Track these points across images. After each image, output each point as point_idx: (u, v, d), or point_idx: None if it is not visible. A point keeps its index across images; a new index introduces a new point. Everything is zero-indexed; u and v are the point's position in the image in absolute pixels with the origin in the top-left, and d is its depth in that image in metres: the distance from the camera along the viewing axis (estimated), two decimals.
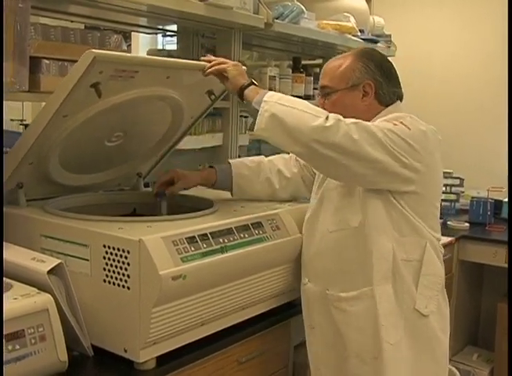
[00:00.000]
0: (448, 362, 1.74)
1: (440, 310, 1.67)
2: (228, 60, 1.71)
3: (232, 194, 1.95)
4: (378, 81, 1.70)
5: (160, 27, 2.59)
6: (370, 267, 1.61)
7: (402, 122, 1.59)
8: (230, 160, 1.99)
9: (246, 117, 2.59)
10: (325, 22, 2.77)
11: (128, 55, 1.76)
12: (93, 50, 1.40)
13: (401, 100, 1.77)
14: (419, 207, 1.63)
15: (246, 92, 1.63)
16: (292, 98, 1.62)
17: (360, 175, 1.54)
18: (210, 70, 1.67)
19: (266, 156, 2.02)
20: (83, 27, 2.21)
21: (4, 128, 2.25)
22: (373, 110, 1.71)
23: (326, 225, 1.68)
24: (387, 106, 1.72)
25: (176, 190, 1.89)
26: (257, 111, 1.56)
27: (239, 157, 2.50)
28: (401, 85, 1.77)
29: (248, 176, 1.93)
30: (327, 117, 1.51)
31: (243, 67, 1.74)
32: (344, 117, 1.53)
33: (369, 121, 1.62)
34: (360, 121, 1.54)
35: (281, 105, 1.54)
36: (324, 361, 1.74)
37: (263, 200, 1.91)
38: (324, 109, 1.62)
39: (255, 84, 1.65)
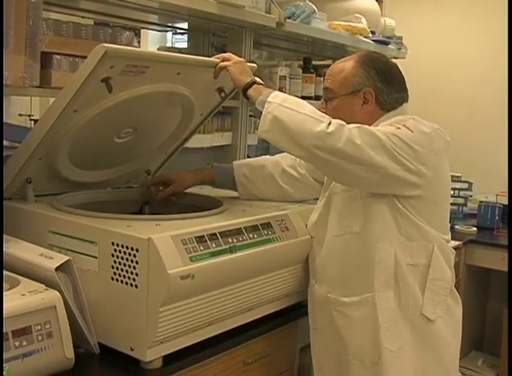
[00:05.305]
0: (457, 367, 1.72)
1: (450, 314, 1.65)
2: (233, 56, 1.69)
3: (239, 195, 1.94)
4: (379, 87, 1.66)
5: (171, 24, 2.59)
6: (372, 273, 1.59)
7: (404, 125, 1.57)
8: (234, 162, 2.00)
9: (255, 116, 2.58)
10: (336, 23, 2.76)
11: (140, 50, 1.75)
12: (105, 44, 1.39)
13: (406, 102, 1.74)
14: (426, 211, 1.61)
15: (250, 91, 1.62)
16: (296, 100, 1.59)
17: (364, 179, 1.53)
18: (216, 69, 1.67)
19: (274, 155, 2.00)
20: (92, 24, 2.20)
21: (12, 122, 2.25)
22: (373, 116, 1.67)
23: (332, 230, 1.67)
24: (388, 111, 1.69)
25: (164, 195, 1.92)
26: (261, 112, 1.55)
27: (248, 156, 2.49)
28: (407, 89, 1.73)
29: (250, 176, 1.92)
30: (330, 123, 1.50)
31: (252, 65, 1.73)
32: (345, 122, 1.52)
33: (369, 125, 1.60)
34: (363, 125, 1.53)
35: (284, 107, 1.53)
36: (326, 362, 1.73)
37: (272, 201, 1.89)
38: (326, 113, 1.60)
39: (259, 83, 1.63)
